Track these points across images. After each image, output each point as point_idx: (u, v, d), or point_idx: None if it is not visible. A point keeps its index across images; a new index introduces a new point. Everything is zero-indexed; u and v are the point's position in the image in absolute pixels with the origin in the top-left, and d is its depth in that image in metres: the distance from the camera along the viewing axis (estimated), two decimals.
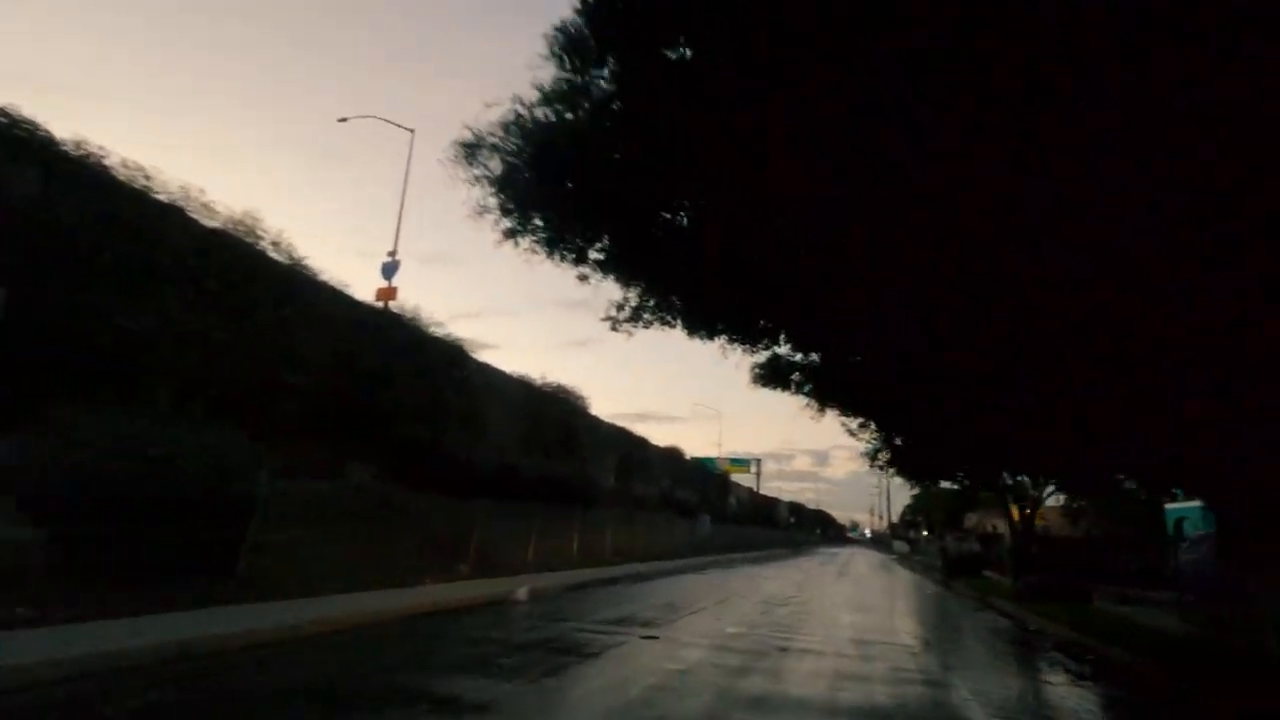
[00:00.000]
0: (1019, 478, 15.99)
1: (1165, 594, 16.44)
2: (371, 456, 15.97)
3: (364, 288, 19.70)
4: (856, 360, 10.74)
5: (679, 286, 8.53)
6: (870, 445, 13.93)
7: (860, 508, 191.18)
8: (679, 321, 8.95)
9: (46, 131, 9.20)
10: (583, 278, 8.05)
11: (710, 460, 54.00)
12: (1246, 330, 5.19)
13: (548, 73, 6.55)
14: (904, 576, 28.50)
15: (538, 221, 7.84)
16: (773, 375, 11.86)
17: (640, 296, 8.60)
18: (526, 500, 18.64)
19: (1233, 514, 6.77)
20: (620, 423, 31.03)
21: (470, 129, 6.84)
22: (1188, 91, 3.81)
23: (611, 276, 8.13)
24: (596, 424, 29.23)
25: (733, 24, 4.90)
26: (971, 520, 40.56)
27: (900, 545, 68.73)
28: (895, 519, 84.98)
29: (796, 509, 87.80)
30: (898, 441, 13.17)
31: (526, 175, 7.10)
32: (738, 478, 59.42)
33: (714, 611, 11.21)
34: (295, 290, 15.55)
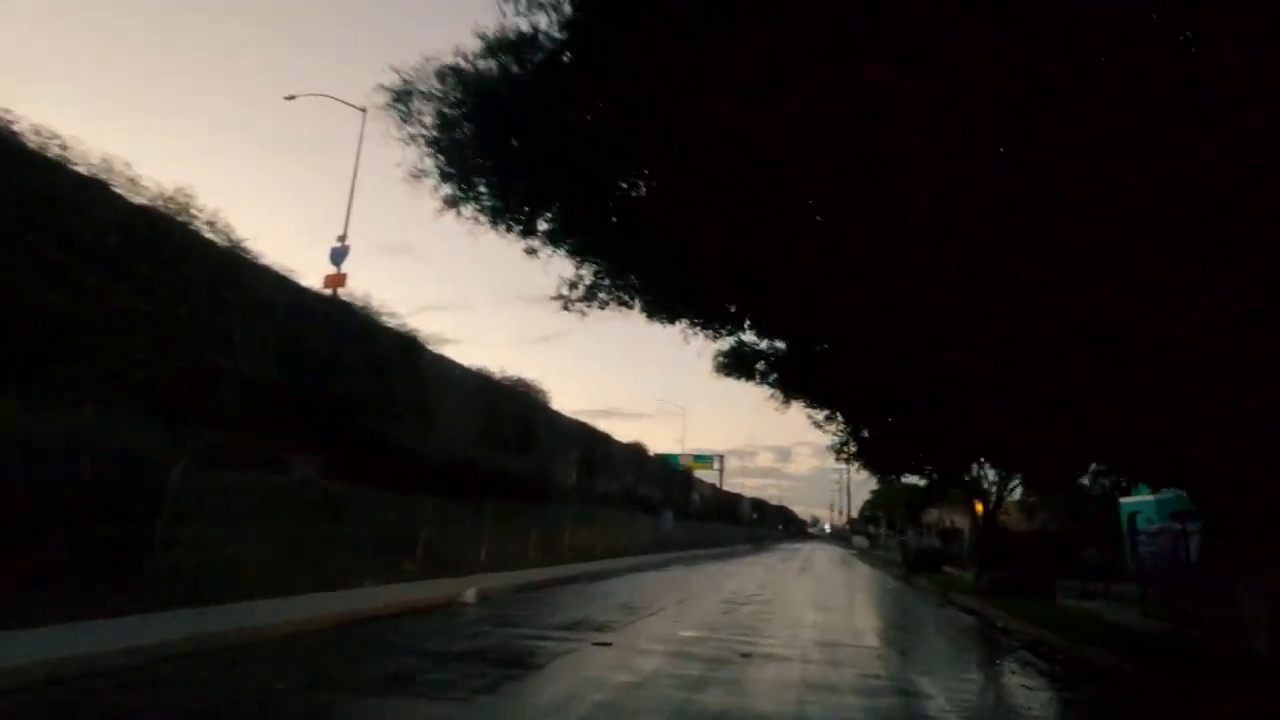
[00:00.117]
0: (983, 472, 15.82)
1: (1122, 587, 16.48)
2: (317, 450, 15.10)
3: (318, 276, 18.70)
4: (824, 348, 10.26)
5: (637, 264, 7.90)
6: (837, 437, 13.56)
7: (821, 503, 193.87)
8: (637, 303, 8.32)
9: None
10: (530, 251, 7.36)
11: (674, 457, 53.79)
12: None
13: (492, 16, 5.86)
14: (865, 572, 28.43)
15: (481, 188, 7.13)
16: (737, 364, 11.33)
17: (595, 274, 7.95)
18: (482, 496, 17.87)
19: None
20: (585, 419, 30.41)
21: (399, 72, 6.08)
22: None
23: (563, 250, 7.46)
24: (557, 419, 28.55)
25: None
26: (932, 516, 40.91)
27: (860, 540, 69.42)
28: (855, 514, 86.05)
29: (759, 505, 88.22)
30: (865, 434, 12.80)
31: (466, 131, 6.39)
32: (701, 474, 59.39)
33: (674, 613, 10.64)
34: (234, 273, 14.59)
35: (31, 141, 9.66)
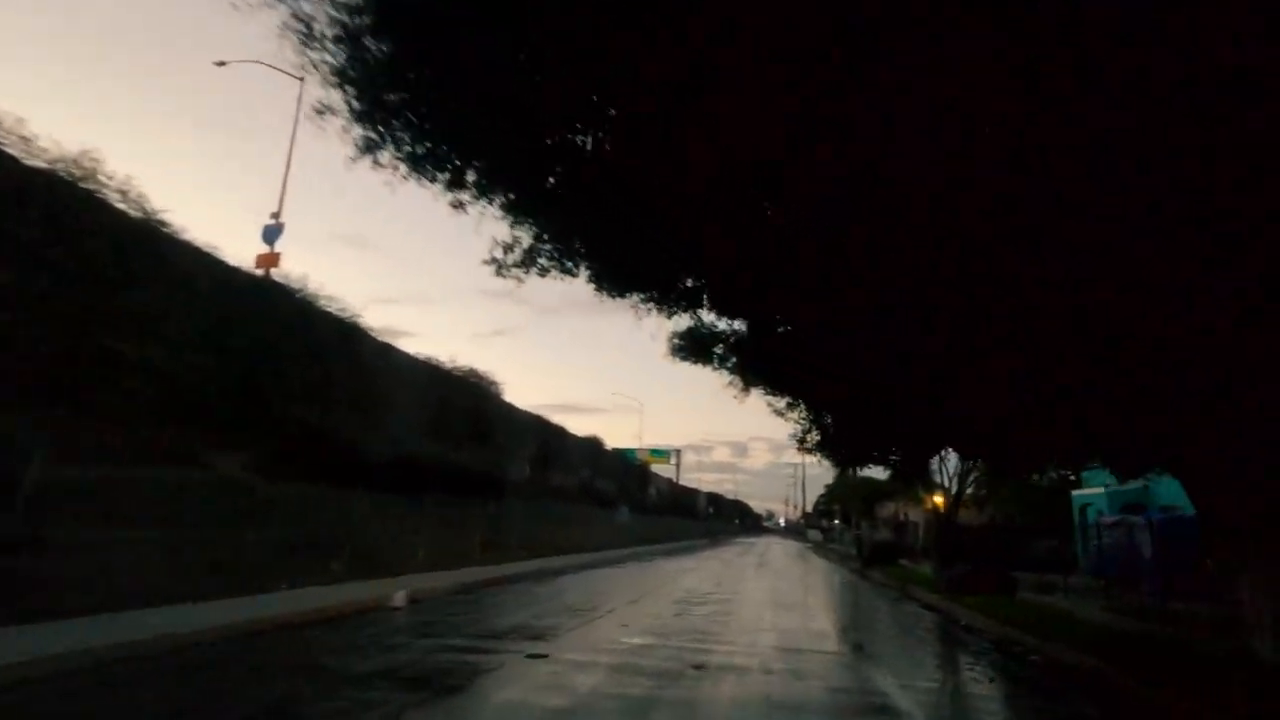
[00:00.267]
0: (944, 465, 15.41)
1: (1076, 579, 16.31)
2: (245, 443, 13.84)
3: (259, 260, 17.26)
4: (788, 330, 9.50)
5: (581, 227, 6.98)
6: (798, 426, 12.90)
7: (776, 498, 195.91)
8: (583, 271, 7.40)
9: None
10: (457, 205, 6.35)
11: (631, 451, 53.24)
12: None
13: None
14: (821, 566, 28.11)
15: (399, 130, 6.11)
16: (693, 347, 10.50)
17: (534, 237, 6.99)
18: (425, 491, 16.77)
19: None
20: (543, 413, 29.41)
21: None
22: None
23: (497, 205, 6.49)
24: (512, 412, 27.50)
25: None
26: (888, 509, 41.07)
27: (814, 534, 69.99)
28: (810, 509, 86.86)
29: (715, 499, 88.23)
30: (828, 422, 12.15)
31: (378, 54, 5.36)
32: (658, 468, 59.00)
33: (623, 614, 9.79)
34: (149, 248, 13.24)
35: None
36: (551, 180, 6.50)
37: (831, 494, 64.75)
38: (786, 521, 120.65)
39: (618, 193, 6.38)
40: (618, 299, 7.89)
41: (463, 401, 23.38)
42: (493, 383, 25.71)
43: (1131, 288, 5.06)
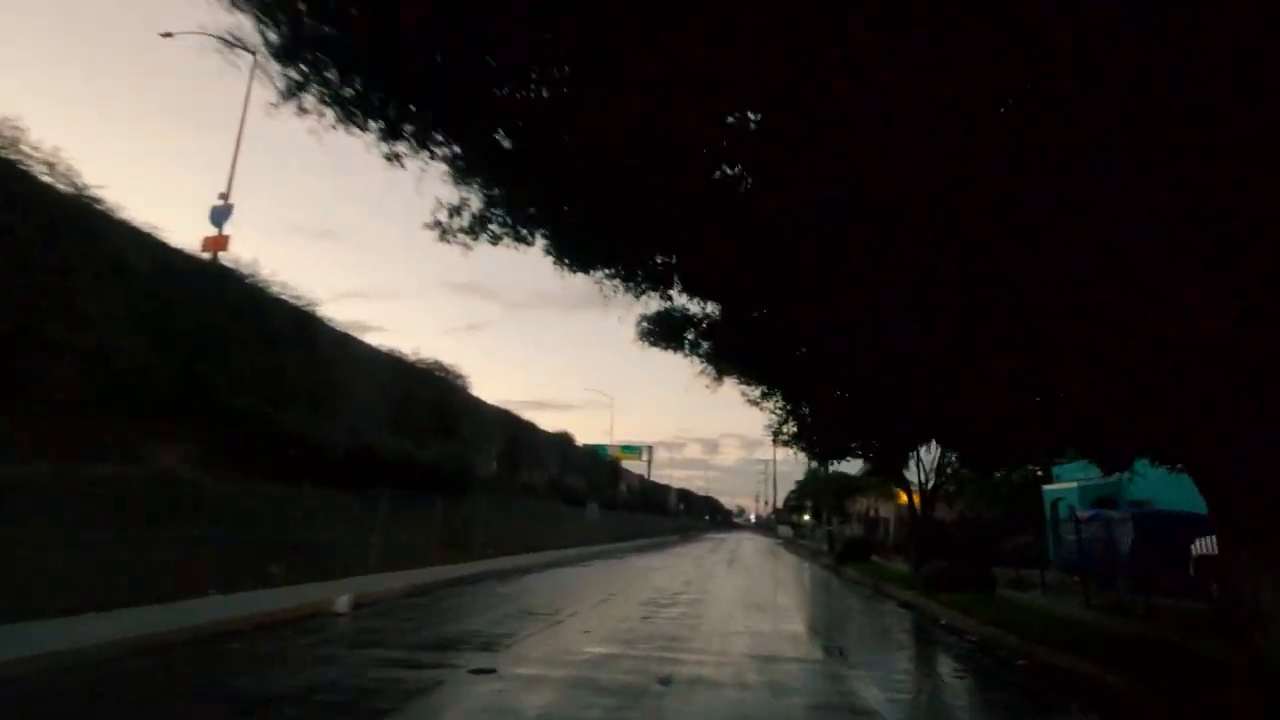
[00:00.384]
0: (920, 459, 15.00)
1: (1050, 575, 16.04)
2: (190, 437, 12.87)
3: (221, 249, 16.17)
4: (764, 313, 8.87)
5: (536, 191, 6.24)
6: (774, 417, 12.32)
7: (747, 493, 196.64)
8: (539, 241, 6.66)
9: None
10: (392, 158, 5.56)
11: (603, 447, 52.73)
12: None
13: None
14: (793, 562, 27.72)
15: (327, 72, 5.31)
16: (663, 331, 9.81)
17: (485, 199, 6.23)
18: (383, 487, 15.89)
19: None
20: (514, 409, 28.60)
21: None
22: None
23: (441, 160, 5.71)
24: (479, 406, 26.69)
25: None
26: (860, 504, 40.95)
27: (785, 530, 70.07)
28: (780, 504, 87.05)
29: (686, 496, 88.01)
30: (806, 412, 11.57)
31: None
32: (630, 465, 58.63)
33: (586, 618, 9.09)
34: (81, 225, 12.20)
35: None
36: (501, 135, 5.77)
37: (803, 489, 64.76)
38: (757, 517, 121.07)
39: (578, 156, 5.67)
40: (578, 274, 7.17)
41: (427, 395, 22.49)
42: (459, 376, 24.84)
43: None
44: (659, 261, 8.00)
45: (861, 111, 4.53)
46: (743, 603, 11.74)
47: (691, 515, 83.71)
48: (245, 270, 15.71)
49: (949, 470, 15.77)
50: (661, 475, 79.32)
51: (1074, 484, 23.21)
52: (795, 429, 12.14)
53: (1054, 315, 5.72)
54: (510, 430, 29.83)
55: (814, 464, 29.84)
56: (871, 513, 38.31)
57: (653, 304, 9.30)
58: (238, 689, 4.89)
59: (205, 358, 13.31)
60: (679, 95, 5.16)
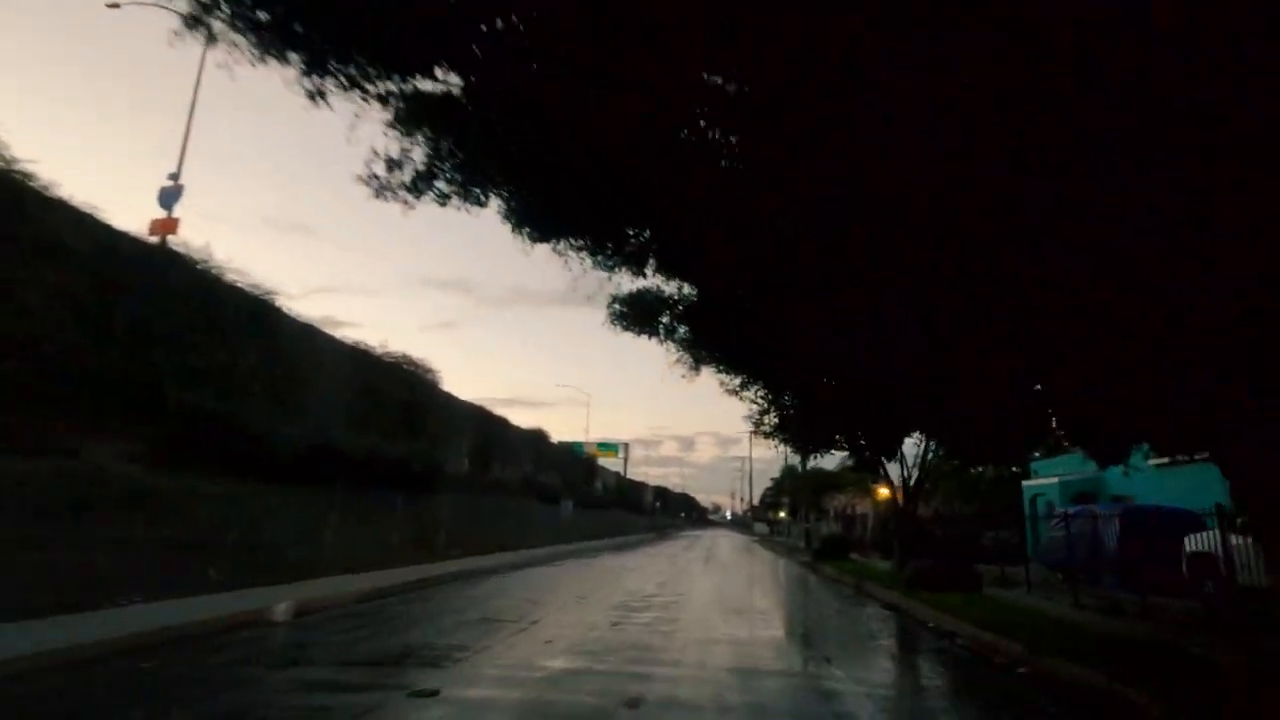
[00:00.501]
0: (902, 451, 14.48)
1: (1022, 570, 15.59)
2: (136, 432, 11.95)
3: (183, 245, 15.07)
4: (750, 303, 8.20)
5: (490, 147, 5.47)
6: (754, 407, 11.68)
7: (723, 491, 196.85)
8: (493, 202, 5.88)
9: None
10: (315, 95, 4.74)
11: (579, 445, 52.02)
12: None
13: None
14: (770, 560, 27.20)
15: None
16: (637, 314, 9.10)
17: (431, 153, 5.44)
18: (342, 484, 15.00)
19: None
20: (489, 406, 27.80)
21: None
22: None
23: (374, 102, 4.92)
24: (450, 402, 25.77)
25: None
26: (838, 501, 40.65)
27: (760, 527, 70.02)
28: (756, 501, 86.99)
29: (662, 493, 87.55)
30: (787, 403, 10.94)
31: None
32: (607, 462, 58.08)
33: (550, 625, 8.35)
34: (6, 201, 11.25)
35: None
36: (443, 79, 5.00)
37: (779, 486, 64.61)
38: (733, 515, 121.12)
39: (539, 110, 4.93)
40: (539, 243, 6.41)
41: (394, 390, 21.55)
42: (429, 370, 23.93)
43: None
44: (631, 235, 7.29)
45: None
46: (720, 605, 11.08)
47: (668, 513, 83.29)
48: (197, 256, 14.73)
49: (931, 463, 15.28)
50: (638, 473, 78.78)
51: (1054, 479, 22.99)
52: (777, 420, 11.52)
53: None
54: (483, 427, 28.97)
55: (795, 458, 29.37)
56: (849, 509, 38.00)
57: (625, 283, 8.61)
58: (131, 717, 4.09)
59: (151, 348, 12.38)
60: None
